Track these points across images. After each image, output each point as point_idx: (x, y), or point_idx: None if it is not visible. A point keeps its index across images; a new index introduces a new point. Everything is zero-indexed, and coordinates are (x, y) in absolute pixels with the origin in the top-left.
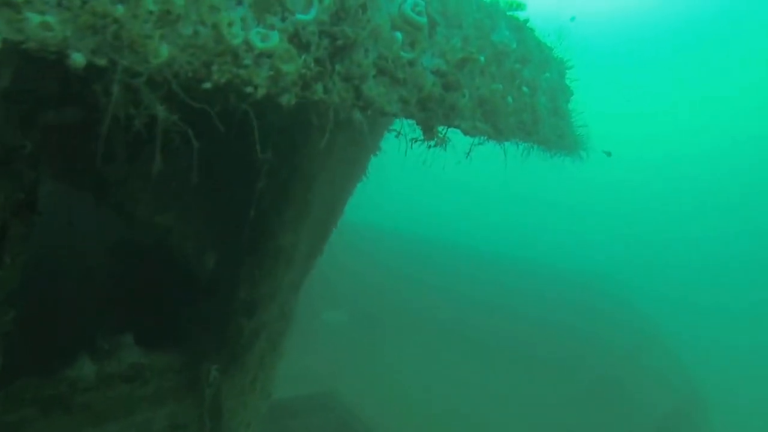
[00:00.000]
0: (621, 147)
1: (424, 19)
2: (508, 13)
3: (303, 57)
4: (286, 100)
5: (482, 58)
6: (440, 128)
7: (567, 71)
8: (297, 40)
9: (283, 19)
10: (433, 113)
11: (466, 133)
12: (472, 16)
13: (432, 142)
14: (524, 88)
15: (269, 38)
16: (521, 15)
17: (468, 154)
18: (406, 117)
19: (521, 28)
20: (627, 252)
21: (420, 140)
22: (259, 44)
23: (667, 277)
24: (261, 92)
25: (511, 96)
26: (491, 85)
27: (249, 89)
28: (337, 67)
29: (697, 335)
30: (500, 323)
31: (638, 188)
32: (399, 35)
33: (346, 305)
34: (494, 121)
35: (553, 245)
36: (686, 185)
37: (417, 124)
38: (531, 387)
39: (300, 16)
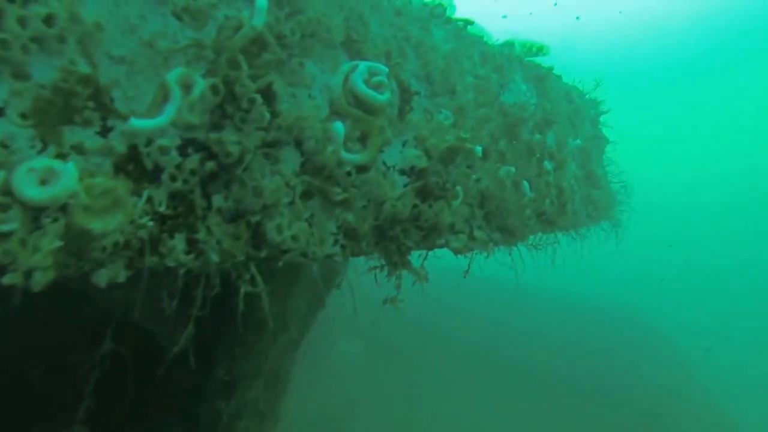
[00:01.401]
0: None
1: (385, 95)
2: (527, 60)
3: (145, 195)
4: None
5: (479, 149)
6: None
7: (601, 116)
8: (135, 167)
9: (104, 131)
10: (400, 243)
11: (458, 252)
12: (472, 73)
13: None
14: (546, 163)
15: (62, 177)
16: (544, 60)
17: (466, 271)
18: (355, 255)
19: (544, 78)
20: (650, 276)
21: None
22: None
23: (695, 302)
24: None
25: (527, 179)
26: (499, 171)
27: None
28: (217, 201)
29: (726, 362)
30: (530, 352)
31: (663, 209)
32: (340, 128)
33: (363, 334)
34: (503, 223)
35: (576, 270)
36: (715, 207)
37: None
38: (569, 424)
39: (140, 123)
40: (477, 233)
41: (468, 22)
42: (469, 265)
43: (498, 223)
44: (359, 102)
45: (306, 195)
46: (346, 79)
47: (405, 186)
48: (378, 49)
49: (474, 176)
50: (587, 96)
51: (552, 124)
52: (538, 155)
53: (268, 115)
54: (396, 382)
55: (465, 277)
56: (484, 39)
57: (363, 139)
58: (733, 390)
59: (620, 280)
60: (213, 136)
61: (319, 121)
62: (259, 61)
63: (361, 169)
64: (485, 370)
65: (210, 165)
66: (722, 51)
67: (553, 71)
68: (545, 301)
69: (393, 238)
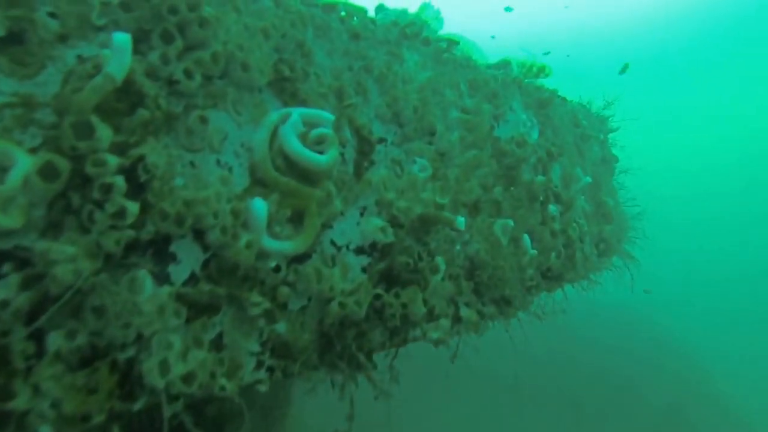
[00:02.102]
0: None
1: (330, 153)
2: (526, 83)
3: None
4: None
5: (461, 221)
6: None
7: (610, 133)
8: None
9: None
10: (355, 351)
11: (439, 344)
12: (458, 107)
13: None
14: (552, 208)
15: None
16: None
17: (453, 355)
18: (289, 377)
19: (547, 103)
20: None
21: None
22: None
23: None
24: None
25: (529, 231)
26: (494, 226)
27: None
28: (54, 341)
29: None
30: (560, 374)
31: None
32: (260, 208)
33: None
34: (498, 294)
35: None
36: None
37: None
38: None
39: None
40: (464, 312)
41: (452, 42)
42: (457, 347)
43: (492, 294)
44: (292, 166)
45: (210, 309)
46: (273, 134)
47: (363, 270)
48: (324, 88)
49: (461, 239)
50: (594, 114)
51: (557, 157)
52: (541, 199)
53: (133, 209)
54: (428, 412)
55: (453, 362)
56: (474, 60)
57: (298, 219)
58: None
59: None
60: (40, 246)
61: (227, 201)
62: (130, 123)
63: (298, 258)
64: (521, 396)
65: (40, 288)
66: (715, 42)
67: (557, 93)
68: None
69: (345, 348)
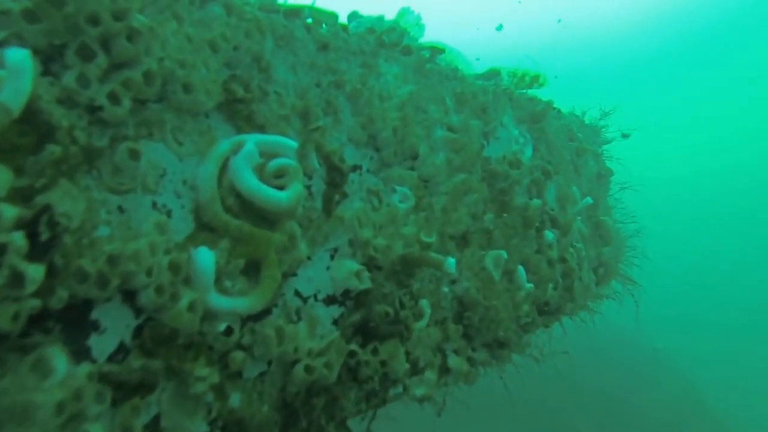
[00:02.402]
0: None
1: (292, 189)
2: (518, 94)
3: None
4: None
5: (452, 262)
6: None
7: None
8: None
9: None
10: (324, 421)
11: (423, 400)
12: (444, 124)
13: None
14: (548, 234)
15: None
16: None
17: (440, 410)
18: None
19: (541, 116)
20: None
21: None
22: None
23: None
24: None
25: (523, 262)
26: (485, 259)
27: None
28: None
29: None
30: (553, 390)
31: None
32: (206, 259)
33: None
34: (491, 337)
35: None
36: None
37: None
38: None
39: None
40: (453, 362)
41: (436, 50)
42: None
43: (484, 338)
44: (247, 205)
45: (144, 387)
46: (223, 167)
47: (335, 323)
48: (286, 109)
49: (449, 277)
50: (588, 124)
51: (553, 176)
52: (537, 224)
53: (36, 274)
54: None
55: (438, 416)
56: (461, 70)
57: (254, 269)
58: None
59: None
60: None
61: (164, 252)
62: (37, 163)
63: (255, 315)
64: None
65: None
66: (708, 42)
67: (552, 105)
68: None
69: (312, 421)
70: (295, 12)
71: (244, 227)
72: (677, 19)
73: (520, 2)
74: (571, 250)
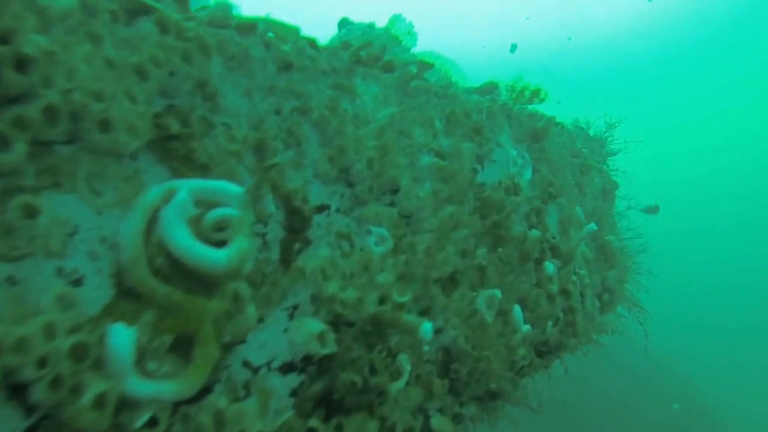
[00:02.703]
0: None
1: (235, 245)
2: (517, 110)
3: None
4: None
5: (427, 327)
6: None
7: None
8: None
9: None
10: None
11: None
12: (431, 149)
13: None
14: (548, 266)
15: None
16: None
17: None
18: None
19: (542, 134)
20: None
21: None
22: None
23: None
24: None
25: (520, 299)
26: (476, 301)
27: None
28: None
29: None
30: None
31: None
32: (122, 338)
33: None
34: (481, 389)
35: None
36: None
37: None
38: None
39: None
40: (436, 422)
41: (425, 65)
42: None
43: (474, 392)
44: (179, 267)
45: None
46: (151, 221)
47: (293, 395)
48: (236, 143)
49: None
50: (593, 135)
51: (554, 198)
52: (536, 255)
53: None
54: None
55: None
56: (453, 85)
57: (186, 344)
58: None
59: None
60: None
61: (66, 333)
62: None
63: (186, 401)
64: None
65: None
66: (709, 45)
67: (555, 121)
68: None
69: None
70: (250, 27)
71: (173, 295)
72: (676, 24)
73: (527, 18)
74: (574, 277)
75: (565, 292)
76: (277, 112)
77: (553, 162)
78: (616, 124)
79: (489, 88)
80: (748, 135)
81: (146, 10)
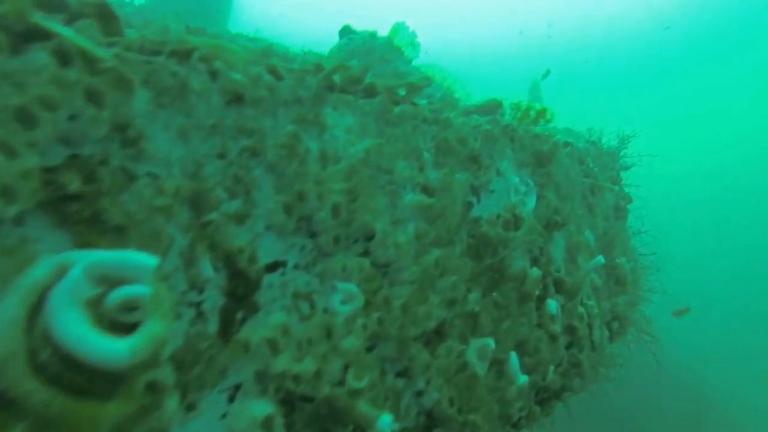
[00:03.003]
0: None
1: (145, 334)
2: (521, 132)
3: None
4: None
5: (385, 421)
6: None
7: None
8: None
9: None
10: None
11: None
12: (416, 184)
13: None
14: (551, 305)
15: None
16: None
17: None
18: None
19: (548, 158)
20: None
21: None
22: None
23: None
24: None
25: (517, 345)
26: (466, 354)
27: None
28: None
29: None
30: None
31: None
32: None
33: None
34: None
35: None
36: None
37: None
38: None
39: None
40: None
41: (415, 87)
42: None
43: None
44: (70, 363)
45: None
46: (35, 308)
47: None
48: (165, 196)
49: (412, 387)
50: (605, 149)
51: (560, 227)
52: (537, 293)
53: None
54: None
55: None
56: (448, 108)
57: None
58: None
59: None
60: None
61: None
62: None
63: None
64: None
65: None
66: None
67: (563, 141)
68: None
69: None
70: (188, 53)
71: (53, 401)
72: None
73: (521, 33)
74: (581, 309)
75: (569, 329)
76: (222, 156)
77: (561, 186)
78: (630, 138)
79: (492, 107)
80: (756, 129)
81: (44, 35)
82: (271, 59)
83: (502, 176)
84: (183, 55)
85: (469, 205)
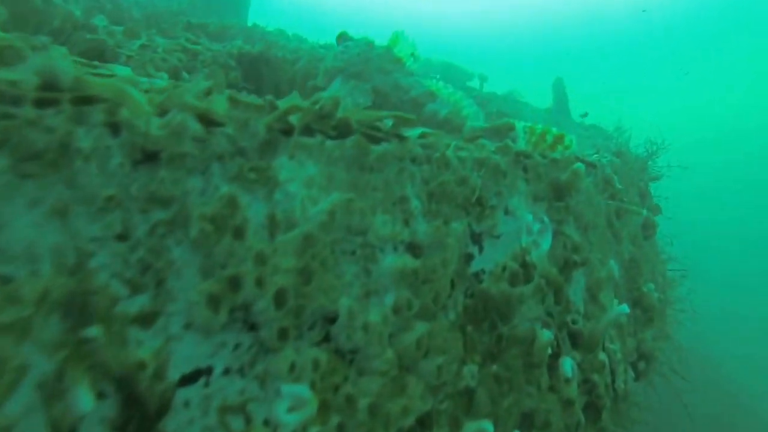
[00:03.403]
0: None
1: None
2: (537, 159)
3: None
4: None
5: None
6: None
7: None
8: None
9: None
10: None
11: None
12: (399, 242)
13: None
14: (566, 366)
15: None
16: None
17: None
18: None
19: (567, 189)
20: None
21: None
22: None
23: None
24: None
25: (523, 415)
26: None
27: None
28: None
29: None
30: None
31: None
32: None
33: None
34: None
35: None
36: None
37: None
38: None
39: None
40: None
41: (402, 120)
42: None
43: None
44: None
45: None
46: None
47: None
48: (22, 306)
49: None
50: (632, 157)
51: (580, 267)
52: (549, 352)
53: None
54: None
55: None
56: (449, 135)
57: None
58: None
59: None
60: None
61: None
62: None
63: None
64: None
65: None
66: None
67: (588, 161)
68: None
69: None
70: (77, 100)
71: None
72: None
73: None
74: (603, 356)
75: (587, 382)
76: (122, 237)
77: (582, 216)
78: (659, 150)
79: (503, 129)
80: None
81: None
82: (221, 94)
83: (511, 215)
84: (64, 103)
85: (467, 258)
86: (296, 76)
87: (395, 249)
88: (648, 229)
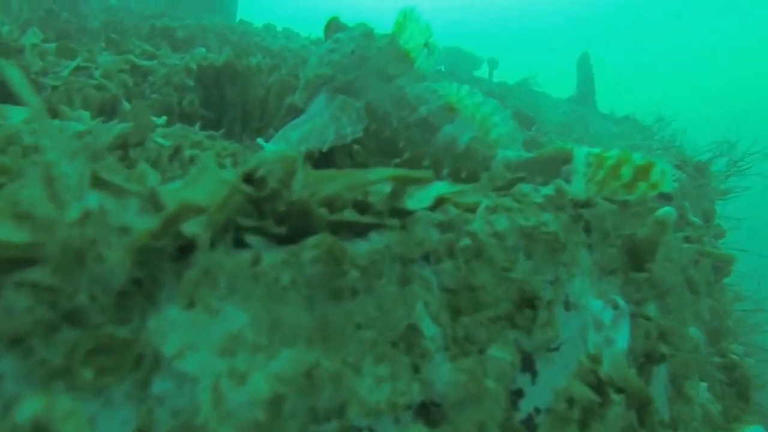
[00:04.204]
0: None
1: None
2: (601, 211)
3: None
4: None
5: None
6: None
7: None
8: None
9: None
10: None
11: None
12: (405, 406)
13: None
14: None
15: None
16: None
17: None
18: None
19: (649, 252)
20: None
21: None
22: None
23: None
24: None
25: None
26: None
27: None
28: None
29: None
30: None
31: None
32: None
33: None
34: None
35: None
36: None
37: None
38: None
39: None
40: None
41: (409, 180)
42: None
43: None
44: None
45: None
46: None
47: None
48: None
49: None
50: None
51: (666, 360)
52: None
53: None
54: None
55: None
56: (476, 190)
57: None
58: None
59: None
60: None
61: None
62: None
63: None
64: None
65: None
66: None
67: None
68: None
69: None
70: None
71: None
72: None
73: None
74: None
75: None
76: None
77: (664, 282)
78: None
79: (554, 160)
80: None
81: None
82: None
83: (573, 309)
84: None
85: (515, 397)
86: (270, 92)
87: (397, 421)
88: (721, 271)
